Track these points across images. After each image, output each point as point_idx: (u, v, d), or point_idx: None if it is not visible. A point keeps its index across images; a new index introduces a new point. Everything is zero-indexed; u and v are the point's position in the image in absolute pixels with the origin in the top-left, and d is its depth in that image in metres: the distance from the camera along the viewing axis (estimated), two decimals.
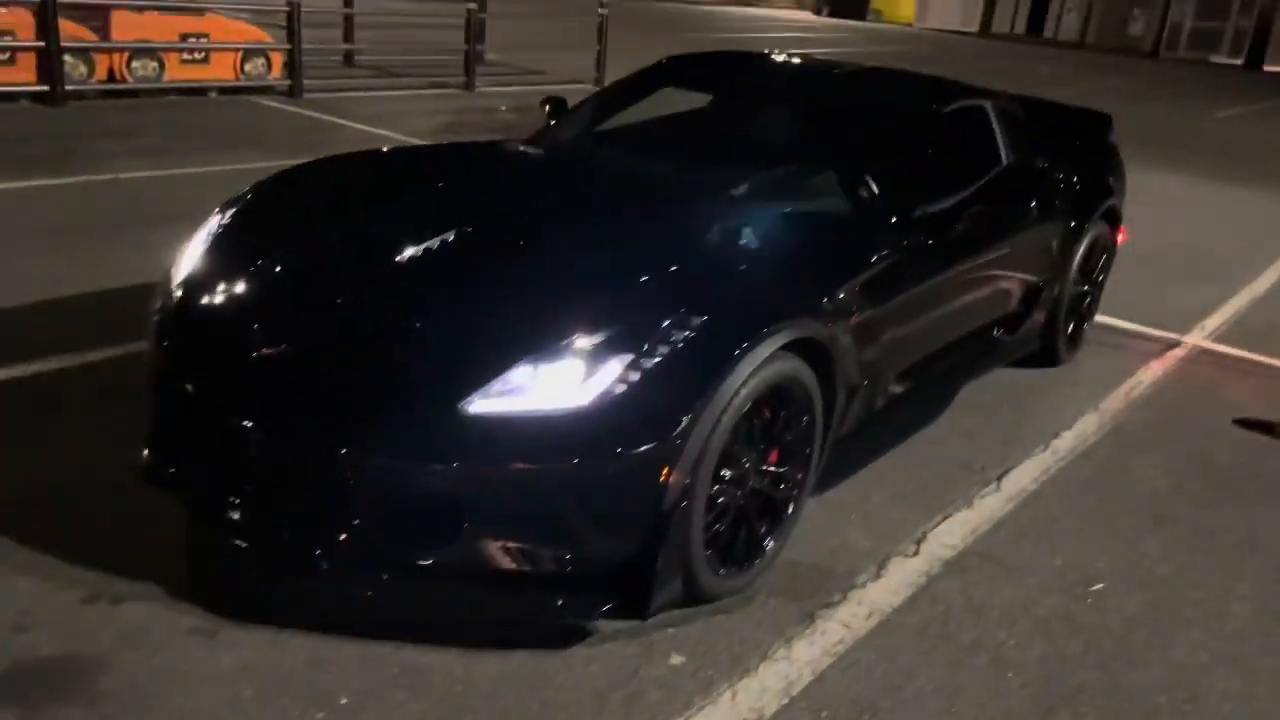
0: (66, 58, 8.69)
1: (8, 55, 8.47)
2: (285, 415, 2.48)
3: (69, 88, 8.73)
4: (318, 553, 2.44)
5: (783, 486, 2.95)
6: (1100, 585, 3.12)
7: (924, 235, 3.56)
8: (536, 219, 3.17)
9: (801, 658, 2.64)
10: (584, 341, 2.50)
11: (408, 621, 2.58)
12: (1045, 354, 4.77)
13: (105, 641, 2.44)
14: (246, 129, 8.46)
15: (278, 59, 10.28)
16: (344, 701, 2.33)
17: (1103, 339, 5.36)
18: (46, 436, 3.32)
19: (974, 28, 37.08)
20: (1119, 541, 3.39)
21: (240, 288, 2.83)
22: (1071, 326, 4.89)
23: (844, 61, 4.68)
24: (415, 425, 2.41)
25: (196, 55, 9.68)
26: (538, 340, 2.51)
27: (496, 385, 2.44)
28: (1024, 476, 3.77)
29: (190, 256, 3.04)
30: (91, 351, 3.83)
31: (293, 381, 2.54)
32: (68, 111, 8.55)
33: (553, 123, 4.31)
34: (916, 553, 3.19)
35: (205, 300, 2.83)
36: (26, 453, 3.21)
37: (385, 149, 3.99)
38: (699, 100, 4.74)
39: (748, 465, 2.78)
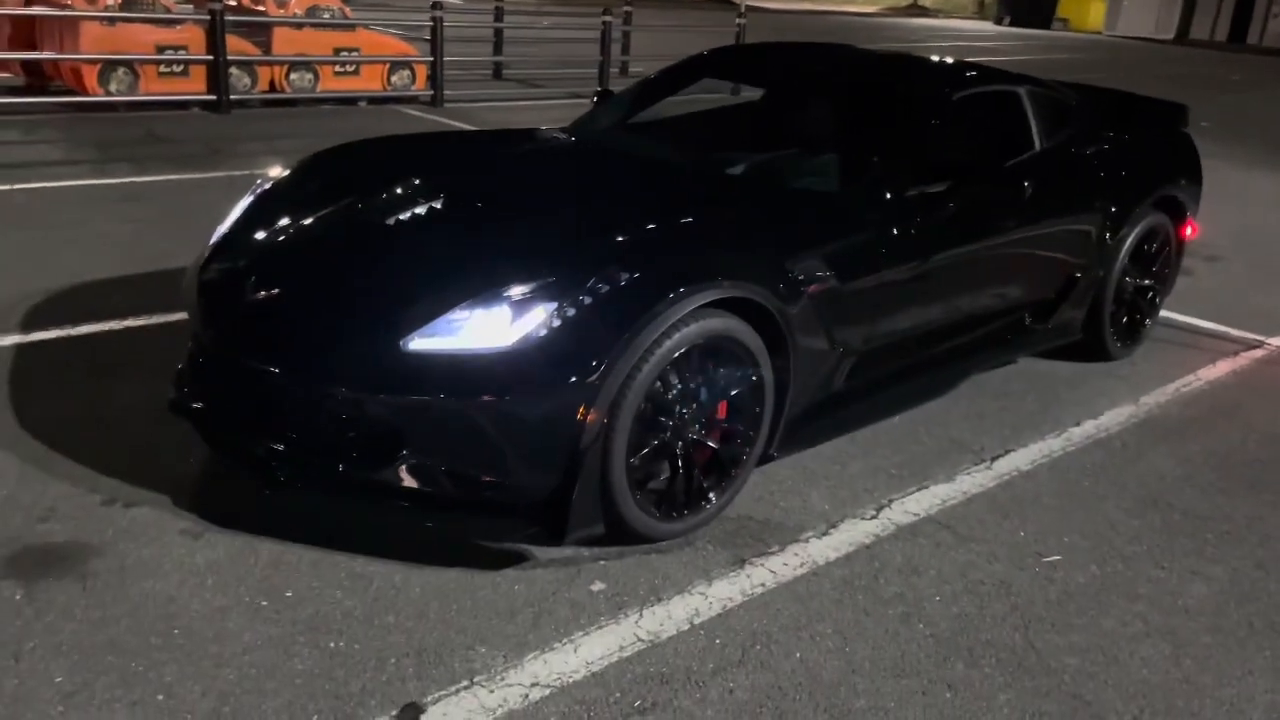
0: (232, 70, 9.62)
1: (181, 68, 9.47)
2: (258, 349, 2.86)
3: (234, 97, 9.66)
4: (274, 465, 2.80)
5: (731, 443, 3.11)
6: (1055, 558, 3.12)
7: (918, 215, 3.63)
8: (522, 191, 3.46)
9: (717, 595, 2.80)
10: (517, 290, 2.76)
11: (370, 536, 2.90)
12: (1092, 347, 4.67)
13: (108, 535, 2.86)
14: (379, 133, 9.12)
15: (422, 71, 11.02)
16: (288, 594, 2.67)
17: (1173, 337, 5.18)
18: (119, 377, 3.84)
19: (1169, 35, 35.05)
20: (1097, 521, 3.36)
21: (247, 248, 3.25)
22: (1127, 320, 4.76)
23: (874, 49, 4.75)
24: (361, 360, 2.73)
25: (348, 68, 10.51)
26: (477, 288, 2.79)
27: (434, 326, 2.73)
28: (1022, 459, 3.76)
29: (223, 224, 3.49)
30: (176, 313, 4.37)
31: (270, 322, 2.92)
32: (231, 118, 9.47)
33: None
34: (874, 517, 3.27)
35: (220, 259, 3.26)
36: (101, 387, 3.74)
37: (429, 133, 4.38)
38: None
39: (685, 415, 2.96)
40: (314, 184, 3.63)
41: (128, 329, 4.31)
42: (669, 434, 2.94)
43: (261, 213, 3.47)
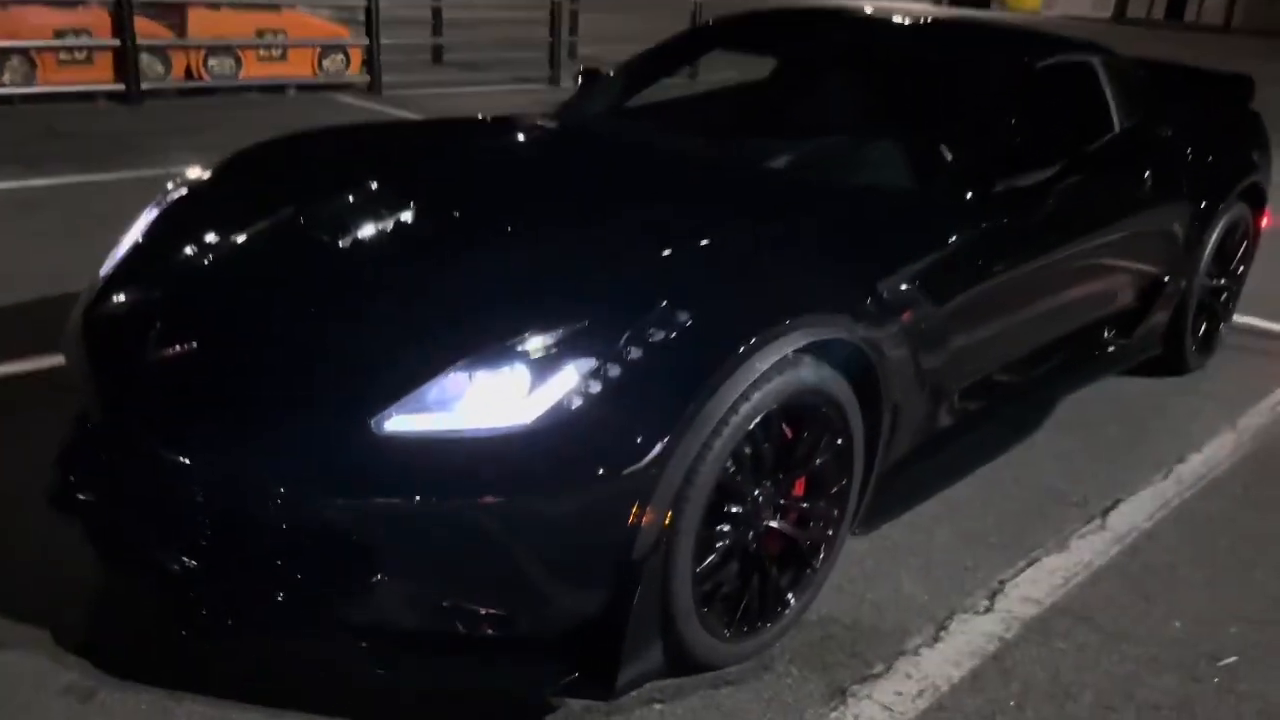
0: (143, 56, 8.59)
1: (85, 54, 8.41)
2: (164, 429, 2.02)
3: (146, 86, 8.62)
4: (193, 596, 1.97)
5: (811, 526, 2.35)
6: (1231, 659, 2.42)
7: (1007, 215, 2.90)
8: (516, 199, 2.64)
9: None
10: (535, 342, 1.96)
11: (331, 692, 2.08)
12: (1170, 360, 4.01)
13: None
14: (312, 124, 8.20)
15: (357, 55, 10.06)
16: None
17: (1244, 343, 4.54)
18: None
19: (1107, 13, 35.04)
20: (1257, 599, 2.67)
21: (150, 283, 2.40)
22: (1204, 327, 4.11)
23: (922, 14, 4.02)
24: (314, 446, 1.91)
25: (274, 52, 9.51)
26: (478, 340, 1.98)
27: (420, 397, 1.92)
28: (1136, 511, 3.06)
29: (118, 248, 2.63)
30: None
31: (181, 390, 2.08)
32: (143, 110, 8.45)
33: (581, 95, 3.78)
34: (989, 609, 2.54)
35: (115, 297, 2.40)
36: None
37: (382, 122, 3.54)
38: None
39: (760, 499, 2.19)
40: (238, 193, 2.77)
41: (2, 379, 3.40)
42: (740, 527, 2.17)
43: (169, 232, 2.62)
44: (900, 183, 2.91)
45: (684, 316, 2.01)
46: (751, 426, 2.05)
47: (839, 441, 2.32)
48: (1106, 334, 3.67)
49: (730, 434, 2.00)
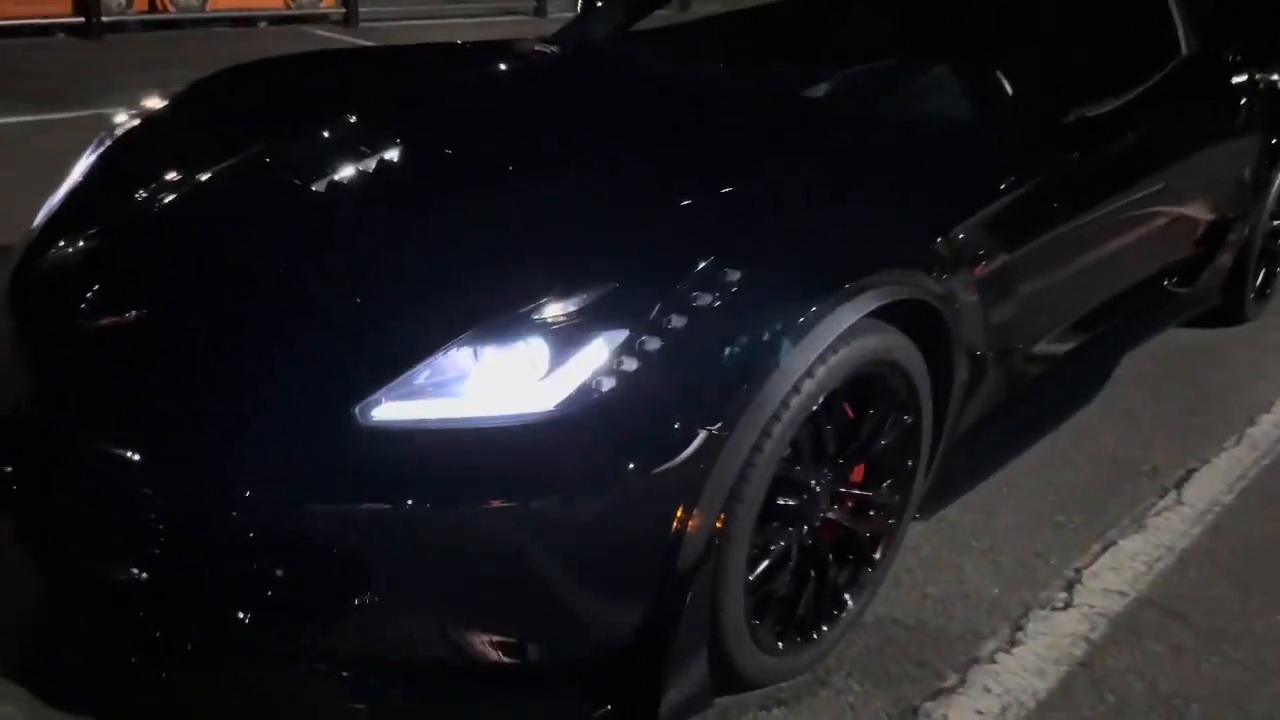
0: None
1: None
2: (105, 417, 1.66)
3: (106, 19, 8.11)
4: (144, 615, 1.63)
5: (872, 515, 2.02)
6: None
7: (1080, 150, 2.54)
8: (519, 137, 2.26)
9: None
10: (554, 309, 1.60)
11: None
12: (1227, 309, 3.68)
13: None
14: None
15: None
16: None
17: None
18: None
19: None
20: None
21: (93, 236, 2.02)
22: (1262, 274, 3.78)
23: None
24: (288, 440, 1.56)
25: None
26: (484, 308, 1.62)
27: (415, 379, 1.57)
28: (1213, 483, 2.75)
29: (56, 194, 2.24)
30: None
31: (127, 369, 1.72)
32: (103, 44, 7.95)
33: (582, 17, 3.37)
34: (1068, 604, 2.23)
35: (51, 252, 2.03)
36: None
37: (356, 48, 3.13)
38: None
39: (818, 490, 1.86)
40: (195, 130, 2.38)
41: None
42: (796, 524, 1.84)
43: (115, 176, 2.24)
44: (958, 113, 2.54)
45: (733, 277, 1.65)
46: (815, 408, 1.71)
47: (906, 417, 1.98)
48: (1168, 283, 3.33)
49: (791, 419, 1.65)
